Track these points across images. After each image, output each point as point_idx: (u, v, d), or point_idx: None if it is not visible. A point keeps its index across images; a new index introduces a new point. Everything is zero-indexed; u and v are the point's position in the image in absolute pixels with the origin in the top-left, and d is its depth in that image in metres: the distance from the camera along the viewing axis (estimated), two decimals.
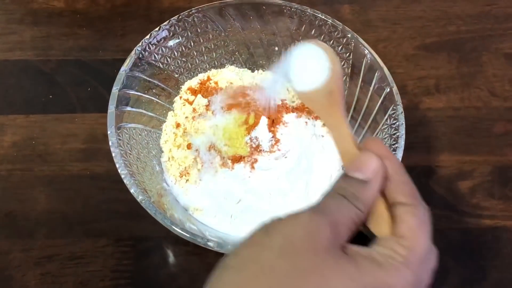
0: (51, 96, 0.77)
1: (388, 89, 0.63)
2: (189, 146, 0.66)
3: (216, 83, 0.72)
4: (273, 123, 0.65)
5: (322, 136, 0.69)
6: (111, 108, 0.60)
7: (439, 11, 0.89)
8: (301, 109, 0.69)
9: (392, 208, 0.37)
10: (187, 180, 0.65)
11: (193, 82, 0.72)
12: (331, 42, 0.69)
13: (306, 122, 0.68)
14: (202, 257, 0.64)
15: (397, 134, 0.60)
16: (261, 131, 0.64)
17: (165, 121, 0.70)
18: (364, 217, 0.37)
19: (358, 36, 0.67)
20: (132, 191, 0.54)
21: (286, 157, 0.64)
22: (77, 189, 0.69)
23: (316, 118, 0.70)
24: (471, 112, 0.78)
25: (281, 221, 0.35)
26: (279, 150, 0.64)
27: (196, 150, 0.66)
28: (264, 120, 0.64)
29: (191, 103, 0.70)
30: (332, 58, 0.44)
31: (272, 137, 0.64)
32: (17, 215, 0.67)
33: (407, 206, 0.37)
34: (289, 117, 0.67)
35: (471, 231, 0.68)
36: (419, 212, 0.37)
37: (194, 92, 0.71)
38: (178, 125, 0.69)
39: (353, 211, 0.36)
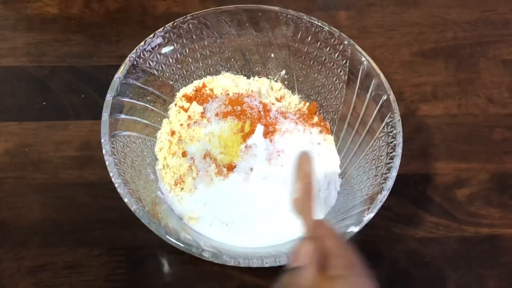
0: (44, 103, 0.76)
1: (385, 97, 0.62)
2: (184, 154, 0.65)
3: (211, 90, 0.71)
4: (270, 131, 0.65)
5: (319, 143, 0.68)
6: (105, 116, 0.59)
7: (436, 17, 0.89)
8: (297, 117, 0.69)
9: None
10: (182, 189, 0.64)
11: (188, 89, 0.72)
12: (328, 49, 0.69)
13: (303, 130, 0.67)
14: (197, 266, 0.64)
15: (394, 142, 0.59)
16: (257, 138, 0.63)
17: (159, 129, 0.69)
18: None
19: (354, 43, 0.66)
20: (126, 200, 0.54)
21: (282, 165, 0.63)
22: (70, 197, 0.68)
23: (313, 125, 0.70)
24: (468, 119, 0.78)
25: None
26: (275, 158, 0.63)
27: (191, 158, 0.65)
28: (260, 128, 0.64)
29: (186, 110, 0.69)
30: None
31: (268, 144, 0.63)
32: (9, 224, 0.66)
33: (341, 278, 0.40)
34: (285, 125, 0.66)
35: (469, 240, 0.68)
36: (351, 281, 0.40)
37: (189, 99, 0.70)
38: (173, 133, 0.68)
39: None
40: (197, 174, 0.64)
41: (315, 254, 0.42)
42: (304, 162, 0.49)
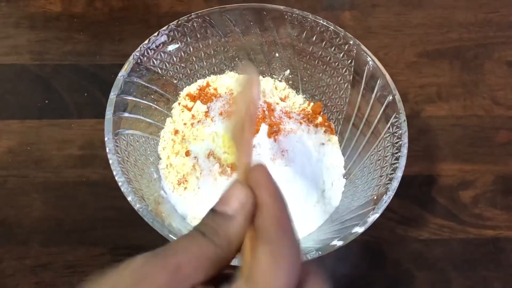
0: (47, 101, 0.76)
1: (391, 97, 0.62)
2: (187, 153, 0.65)
3: (215, 89, 0.71)
4: (274, 131, 0.64)
5: (323, 144, 0.68)
6: (109, 114, 0.58)
7: (440, 18, 0.89)
8: (302, 117, 0.68)
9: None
10: (185, 188, 0.63)
11: (192, 88, 0.72)
12: (333, 48, 0.68)
13: (307, 130, 0.67)
14: None
15: (400, 142, 0.59)
16: (262, 138, 0.63)
17: (163, 128, 0.69)
18: (230, 255, 0.32)
19: (360, 43, 0.66)
20: (129, 199, 0.53)
21: (286, 165, 0.63)
22: (72, 196, 0.68)
23: (317, 125, 0.69)
24: (473, 121, 0.77)
25: (115, 268, 0.30)
26: (279, 158, 0.63)
27: (195, 157, 0.65)
28: (264, 128, 0.63)
29: (190, 109, 0.69)
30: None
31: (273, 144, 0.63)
32: (11, 223, 0.66)
33: (267, 245, 0.31)
34: (290, 125, 0.66)
35: (473, 241, 0.67)
36: (279, 251, 0.31)
37: (193, 98, 0.70)
38: (176, 132, 0.67)
39: (209, 248, 0.31)
40: (200, 173, 0.64)
41: (248, 204, 0.33)
42: (250, 85, 0.37)
